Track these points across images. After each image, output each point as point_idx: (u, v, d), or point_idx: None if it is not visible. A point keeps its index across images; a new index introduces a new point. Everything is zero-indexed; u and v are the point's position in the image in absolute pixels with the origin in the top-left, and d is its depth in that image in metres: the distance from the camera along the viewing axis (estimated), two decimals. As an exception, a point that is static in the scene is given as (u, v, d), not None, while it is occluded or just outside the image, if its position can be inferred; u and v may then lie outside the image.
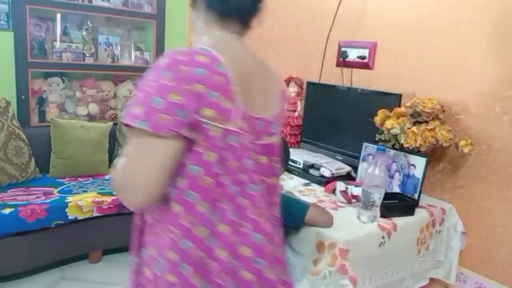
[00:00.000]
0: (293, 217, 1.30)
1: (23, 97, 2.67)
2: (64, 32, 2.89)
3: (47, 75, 2.85)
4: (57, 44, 2.80)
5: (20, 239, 2.14)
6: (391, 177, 1.67)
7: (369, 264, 1.34)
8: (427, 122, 1.62)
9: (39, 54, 2.75)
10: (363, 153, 1.79)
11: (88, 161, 2.70)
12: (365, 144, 1.78)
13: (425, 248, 1.59)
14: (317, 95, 2.16)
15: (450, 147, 1.64)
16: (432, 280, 1.71)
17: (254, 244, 0.85)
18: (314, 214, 1.30)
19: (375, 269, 1.40)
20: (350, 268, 1.23)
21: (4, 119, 2.44)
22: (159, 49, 3.23)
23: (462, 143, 1.56)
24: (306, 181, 1.82)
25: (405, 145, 1.59)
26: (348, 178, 1.80)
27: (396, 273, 1.50)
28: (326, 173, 1.78)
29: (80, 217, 2.28)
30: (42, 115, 2.82)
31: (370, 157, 1.75)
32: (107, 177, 2.73)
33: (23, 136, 2.52)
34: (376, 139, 1.71)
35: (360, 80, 2.03)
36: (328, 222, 1.32)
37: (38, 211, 2.14)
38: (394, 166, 1.67)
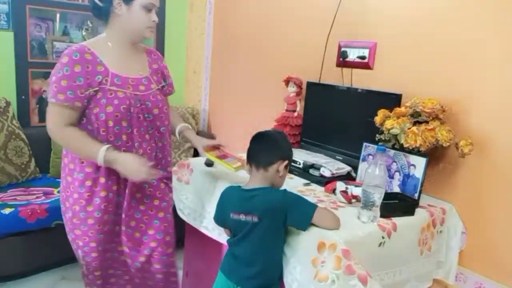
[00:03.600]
0: (300, 218, 1.29)
1: (23, 97, 2.68)
2: (64, 32, 2.89)
3: (47, 75, 2.84)
4: (57, 44, 2.81)
5: (20, 239, 2.15)
6: (391, 177, 1.67)
7: (368, 265, 1.34)
8: (427, 122, 1.62)
9: (39, 54, 2.75)
10: (363, 153, 1.79)
11: (88, 161, 2.70)
12: (365, 144, 1.78)
13: (427, 249, 1.59)
14: (317, 95, 2.16)
15: (450, 147, 1.64)
16: (432, 280, 1.71)
17: None
18: (321, 216, 1.29)
19: (375, 269, 1.39)
20: (357, 266, 1.23)
21: (4, 119, 2.44)
22: (159, 50, 3.23)
23: (462, 143, 1.56)
24: (306, 181, 1.82)
25: (405, 145, 1.59)
26: (348, 178, 1.80)
27: (398, 274, 1.49)
28: (326, 173, 1.78)
29: (80, 217, 2.28)
30: (42, 115, 2.83)
31: (370, 157, 1.75)
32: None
33: (23, 136, 2.52)
34: (376, 139, 1.71)
35: (360, 80, 2.03)
36: (334, 225, 1.31)
37: (38, 211, 2.14)
38: (394, 166, 1.67)
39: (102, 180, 1.50)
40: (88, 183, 1.50)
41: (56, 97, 1.40)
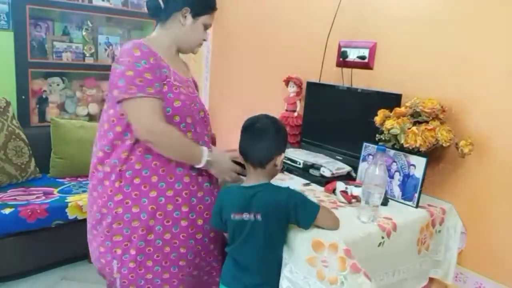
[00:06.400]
0: (305, 217, 1.28)
1: (23, 97, 2.67)
2: (64, 32, 2.89)
3: (47, 75, 2.85)
4: (57, 44, 2.81)
5: (20, 239, 2.15)
6: (391, 177, 1.67)
7: (368, 265, 1.34)
8: (427, 122, 1.62)
9: (39, 54, 2.75)
10: (363, 153, 1.79)
11: (88, 161, 2.67)
12: (365, 144, 1.78)
13: (425, 248, 1.59)
14: (317, 95, 2.16)
15: (450, 147, 1.64)
16: (431, 280, 1.71)
17: None
18: (324, 216, 1.29)
19: (374, 269, 1.39)
20: (360, 264, 1.23)
21: (4, 119, 2.44)
22: (159, 49, 3.23)
23: (462, 143, 1.56)
24: (306, 181, 1.82)
25: (405, 145, 1.59)
26: (348, 178, 1.80)
27: (397, 273, 1.49)
28: (326, 173, 1.78)
29: (80, 217, 2.28)
30: (42, 115, 2.83)
31: (370, 157, 1.75)
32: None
33: (23, 136, 2.52)
34: (376, 139, 1.71)
35: (360, 80, 2.03)
36: (335, 226, 1.31)
37: (38, 211, 2.14)
38: (394, 166, 1.67)
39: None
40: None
41: (145, 91, 1.28)
